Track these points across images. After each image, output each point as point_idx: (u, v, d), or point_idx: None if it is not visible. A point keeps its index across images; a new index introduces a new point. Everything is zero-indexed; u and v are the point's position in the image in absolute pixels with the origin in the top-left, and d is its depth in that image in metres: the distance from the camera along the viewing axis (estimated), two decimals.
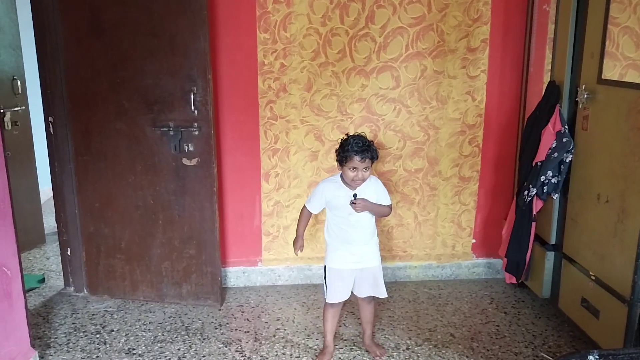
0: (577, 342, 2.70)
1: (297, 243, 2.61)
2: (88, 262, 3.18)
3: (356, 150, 2.33)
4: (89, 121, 2.98)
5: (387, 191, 2.53)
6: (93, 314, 3.02)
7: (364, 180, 2.39)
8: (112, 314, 3.03)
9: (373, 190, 2.46)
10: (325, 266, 2.55)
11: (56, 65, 2.95)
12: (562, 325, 2.82)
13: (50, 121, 3.03)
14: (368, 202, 2.40)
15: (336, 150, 2.43)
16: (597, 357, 1.45)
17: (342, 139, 2.42)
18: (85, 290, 3.24)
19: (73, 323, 2.93)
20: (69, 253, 3.19)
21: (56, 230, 3.87)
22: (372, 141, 2.40)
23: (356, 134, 2.42)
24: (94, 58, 2.90)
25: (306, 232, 3.25)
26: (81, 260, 3.19)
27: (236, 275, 3.36)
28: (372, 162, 2.40)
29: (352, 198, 2.38)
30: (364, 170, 2.36)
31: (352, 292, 2.57)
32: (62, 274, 3.31)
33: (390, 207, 2.53)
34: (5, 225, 2.25)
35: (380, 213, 2.53)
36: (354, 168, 2.35)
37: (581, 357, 1.47)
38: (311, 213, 2.59)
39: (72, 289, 3.26)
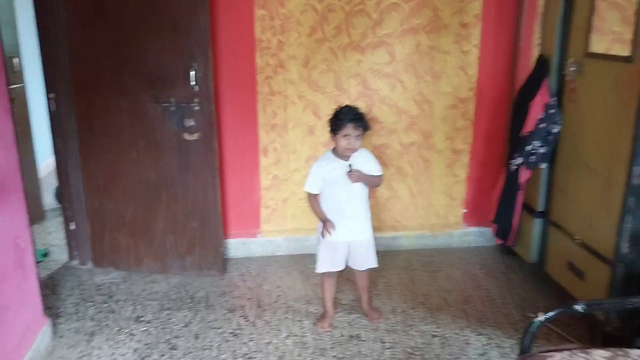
0: (557, 296, 2.86)
1: (327, 224, 2.57)
2: (93, 236, 3.27)
3: (350, 118, 2.43)
4: (92, 99, 3.04)
5: (379, 162, 2.63)
6: (99, 285, 3.13)
7: (355, 149, 2.48)
8: (117, 285, 3.13)
9: (364, 161, 2.56)
10: (319, 238, 2.65)
11: (58, 44, 2.99)
12: (549, 288, 2.97)
13: (51, 98, 3.08)
14: (361, 172, 2.50)
15: (330, 120, 2.52)
16: (583, 306, 1.59)
17: (335, 109, 2.52)
18: (89, 263, 3.33)
19: (80, 294, 3.03)
20: (73, 227, 3.28)
21: (55, 206, 3.95)
22: (364, 112, 2.50)
23: (350, 104, 2.52)
24: (97, 37, 2.95)
25: (303, 205, 3.40)
26: (86, 234, 3.28)
27: (236, 246, 3.47)
28: (364, 132, 2.49)
29: (348, 169, 2.48)
30: (356, 138, 2.45)
31: (347, 265, 2.69)
32: (65, 248, 3.40)
33: (381, 177, 2.63)
34: (17, 199, 2.33)
35: (373, 183, 2.63)
36: (346, 135, 2.44)
37: (568, 307, 1.61)
38: (316, 195, 2.61)
39: (76, 262, 3.35)
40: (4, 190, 2.20)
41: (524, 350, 1.62)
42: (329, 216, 2.58)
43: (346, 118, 2.44)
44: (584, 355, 1.57)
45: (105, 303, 2.94)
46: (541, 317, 1.60)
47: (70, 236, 3.31)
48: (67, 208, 3.25)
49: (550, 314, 1.61)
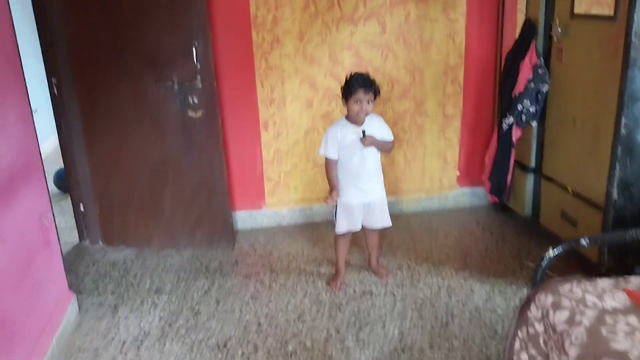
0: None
1: (333, 193, 2.69)
2: (102, 216, 3.35)
3: (360, 83, 2.55)
4: (94, 81, 3.09)
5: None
6: (114, 262, 3.22)
7: (367, 113, 2.61)
8: (131, 261, 3.23)
9: (377, 126, 2.69)
10: (336, 202, 2.78)
11: (56, 28, 3.02)
12: (543, 238, 3.16)
13: (54, 83, 3.13)
14: (374, 138, 2.64)
15: (341, 88, 2.63)
16: (587, 241, 1.76)
17: (346, 76, 2.64)
18: (100, 242, 3.42)
19: (97, 271, 3.13)
20: (82, 209, 3.35)
21: (55, 191, 4.01)
22: (374, 79, 2.62)
23: (359, 71, 2.64)
24: (95, 20, 2.99)
25: (305, 176, 3.53)
26: (94, 215, 3.36)
27: (243, 218, 3.59)
28: (375, 97, 2.62)
29: (361, 134, 2.61)
30: (368, 103, 2.58)
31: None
32: (74, 229, 3.47)
33: (392, 142, 2.77)
34: (39, 180, 2.41)
35: (385, 148, 2.76)
36: (358, 100, 2.56)
37: (575, 242, 1.78)
38: (333, 159, 2.69)
39: (87, 241, 3.43)
40: (28, 172, 2.27)
41: (536, 283, 1.79)
42: (345, 178, 2.71)
43: (357, 84, 2.56)
44: (590, 282, 1.76)
45: (122, 278, 3.04)
46: (551, 253, 1.77)
47: (79, 217, 3.38)
48: (74, 190, 3.32)
49: (559, 249, 1.78)
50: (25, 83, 2.34)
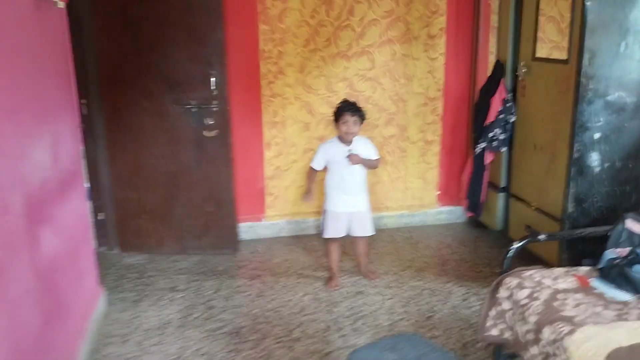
0: (524, 257, 3.49)
1: (307, 195, 3.22)
2: (118, 223, 3.69)
3: (347, 107, 3.06)
4: (118, 101, 3.48)
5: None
6: (129, 266, 3.56)
7: (354, 134, 3.07)
8: (145, 265, 3.57)
9: (363, 147, 3.15)
10: (325, 209, 3.22)
11: (89, 53, 3.42)
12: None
13: (84, 103, 3.50)
14: (359, 156, 3.08)
15: (333, 113, 3.12)
16: (545, 236, 2.21)
17: (337, 104, 3.13)
18: (116, 249, 3.75)
19: (115, 273, 3.46)
20: (102, 217, 3.68)
21: None
22: (360, 106, 3.11)
23: (347, 99, 3.18)
24: (123, 47, 3.40)
25: (301, 191, 3.91)
26: (112, 223, 3.70)
27: (244, 229, 3.96)
28: (361, 120, 3.09)
29: (347, 152, 3.07)
30: (354, 123, 3.05)
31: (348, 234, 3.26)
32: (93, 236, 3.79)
33: (378, 160, 3.23)
34: (81, 185, 2.77)
35: (370, 165, 3.21)
36: (345, 122, 3.04)
37: (533, 237, 2.23)
38: (315, 170, 3.20)
39: (104, 248, 3.75)
40: (75, 177, 2.64)
41: (504, 272, 2.23)
42: (333, 190, 3.17)
43: (344, 108, 3.06)
44: (547, 270, 2.20)
45: (139, 278, 3.38)
46: (516, 245, 2.22)
47: (98, 225, 3.71)
48: (95, 200, 3.65)
49: (521, 243, 2.23)
50: (78, 101, 2.72)
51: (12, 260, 1.77)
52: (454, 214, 4.26)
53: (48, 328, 2.08)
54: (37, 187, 2.06)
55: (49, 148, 2.25)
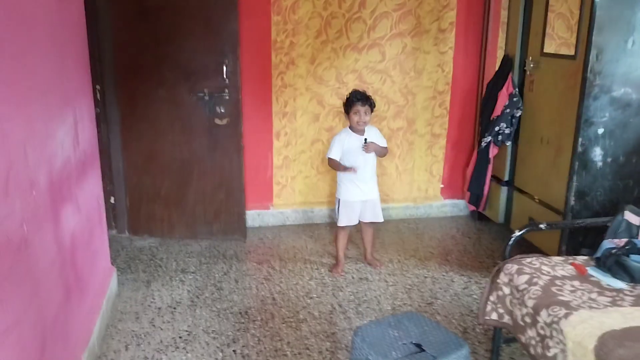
0: (526, 250, 3.58)
1: (351, 169, 3.15)
2: (131, 207, 3.79)
3: (357, 97, 3.14)
4: (134, 89, 3.57)
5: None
6: (141, 248, 3.66)
7: (365, 123, 3.15)
8: (156, 248, 3.67)
9: (374, 136, 3.23)
10: (338, 199, 3.30)
11: (105, 42, 3.51)
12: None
13: (98, 89, 3.59)
14: (375, 144, 3.16)
15: (343, 104, 3.20)
16: (545, 225, 2.29)
17: (347, 94, 3.21)
18: (127, 232, 3.85)
19: (127, 255, 3.56)
20: (112, 201, 3.79)
21: None
22: (370, 95, 3.19)
23: (357, 88, 3.25)
24: (140, 37, 3.49)
25: (308, 181, 4.04)
26: (124, 207, 3.80)
27: (252, 217, 4.06)
28: (372, 109, 3.16)
29: (364, 142, 3.14)
30: (365, 113, 3.12)
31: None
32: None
33: (386, 148, 3.30)
34: (97, 167, 2.87)
35: (382, 153, 3.29)
36: (356, 112, 3.12)
37: (534, 226, 2.31)
38: (334, 159, 3.23)
39: (114, 231, 3.85)
40: (92, 160, 2.74)
41: (505, 257, 2.31)
42: (347, 179, 3.23)
43: (355, 98, 3.15)
44: (546, 258, 2.28)
45: (151, 260, 3.48)
46: (517, 233, 2.30)
47: (109, 209, 3.81)
48: (108, 184, 3.75)
49: (523, 230, 2.30)
50: (92, 88, 2.82)
51: (38, 234, 1.87)
52: (457, 207, 4.34)
53: (68, 301, 2.18)
54: (60, 166, 2.15)
55: (71, 129, 2.34)
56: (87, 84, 2.75)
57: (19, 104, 1.75)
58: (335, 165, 3.25)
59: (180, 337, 2.65)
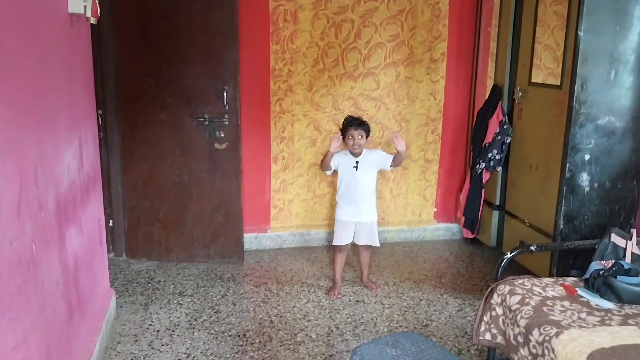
0: (517, 272, 3.65)
1: (333, 141, 3.28)
2: (129, 230, 3.84)
3: (351, 122, 3.28)
4: (136, 113, 3.66)
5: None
6: (138, 271, 3.70)
7: (360, 146, 3.28)
8: (154, 271, 3.71)
9: (374, 157, 3.36)
10: (335, 219, 3.40)
11: (108, 68, 3.61)
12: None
13: (100, 114, 3.67)
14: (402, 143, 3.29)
15: (339, 130, 3.34)
16: (536, 247, 2.37)
17: (342, 121, 3.35)
18: (124, 255, 3.89)
19: (124, 277, 3.60)
20: (111, 224, 3.84)
21: None
22: (365, 120, 3.34)
23: (352, 114, 3.41)
24: (143, 63, 3.59)
25: (305, 205, 4.12)
26: (122, 230, 3.85)
27: (249, 240, 4.12)
28: (366, 134, 3.29)
29: (354, 164, 3.30)
30: (359, 138, 3.25)
31: (354, 243, 3.42)
32: None
33: (401, 154, 3.34)
34: (99, 190, 2.94)
35: (398, 161, 3.38)
36: (351, 136, 3.24)
37: (525, 248, 2.39)
38: (327, 171, 3.45)
39: (112, 254, 3.89)
40: (95, 182, 2.80)
41: (497, 278, 2.38)
42: (342, 200, 3.38)
43: (348, 124, 3.28)
44: (537, 279, 2.35)
45: (148, 283, 3.52)
46: (509, 255, 2.38)
47: (107, 232, 3.85)
48: (106, 207, 3.80)
49: (514, 252, 2.39)
50: (97, 111, 2.90)
51: (45, 254, 1.93)
52: (450, 230, 4.42)
53: (71, 322, 2.22)
54: (65, 188, 2.22)
55: (77, 153, 2.42)
56: (92, 109, 2.84)
57: (32, 128, 1.83)
58: (323, 159, 3.37)
59: None
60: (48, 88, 2.02)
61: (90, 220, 2.71)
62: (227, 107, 3.61)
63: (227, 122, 3.63)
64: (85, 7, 2.36)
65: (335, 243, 3.39)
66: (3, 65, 1.56)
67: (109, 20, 3.53)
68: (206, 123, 3.64)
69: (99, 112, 3.66)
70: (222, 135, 3.65)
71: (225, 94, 3.58)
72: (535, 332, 2.01)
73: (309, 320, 3.09)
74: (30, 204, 1.78)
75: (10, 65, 1.62)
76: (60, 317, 2.10)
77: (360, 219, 3.37)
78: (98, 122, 3.64)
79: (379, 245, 3.46)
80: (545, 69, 3.31)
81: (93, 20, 2.54)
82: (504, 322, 2.26)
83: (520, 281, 2.33)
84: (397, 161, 3.38)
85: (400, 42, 4.02)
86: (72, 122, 2.37)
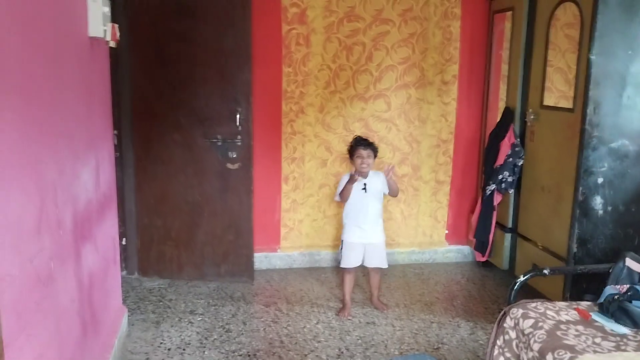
0: (530, 296, 3.62)
1: (354, 177, 3.28)
2: (141, 249, 3.87)
3: (359, 142, 3.32)
4: (150, 133, 3.71)
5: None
6: (150, 289, 3.71)
7: (368, 165, 3.30)
8: (165, 289, 3.73)
9: (380, 182, 3.36)
10: (342, 240, 3.41)
11: (124, 87, 3.67)
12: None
13: (115, 134, 3.73)
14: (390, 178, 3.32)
15: (347, 150, 3.38)
16: (549, 270, 2.36)
17: (350, 141, 3.39)
18: (136, 273, 3.91)
19: (136, 295, 3.61)
20: (124, 242, 3.86)
21: None
22: (372, 141, 3.38)
23: (360, 135, 3.47)
24: (158, 83, 3.65)
25: (315, 225, 4.14)
26: (134, 248, 3.87)
27: (260, 259, 4.12)
28: (374, 154, 3.32)
29: (362, 186, 3.32)
30: (368, 158, 3.27)
31: (363, 264, 3.42)
32: None
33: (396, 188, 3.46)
34: (114, 209, 2.97)
35: (394, 189, 3.43)
36: (359, 156, 3.27)
37: (538, 271, 2.38)
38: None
39: (124, 272, 3.91)
40: (110, 201, 2.84)
41: (510, 301, 2.37)
42: (349, 221, 3.39)
43: (357, 144, 3.32)
44: (550, 303, 2.34)
45: (160, 301, 3.53)
46: (522, 278, 2.37)
47: (120, 250, 3.88)
48: (120, 225, 3.83)
49: (527, 275, 2.38)
50: (113, 132, 2.95)
51: (62, 271, 1.95)
52: (462, 252, 4.40)
53: (85, 339, 2.23)
54: (82, 206, 2.25)
55: (94, 172, 2.46)
56: (109, 129, 2.89)
57: (51, 147, 1.87)
58: (343, 191, 3.35)
59: None
60: (67, 108, 2.07)
61: (105, 239, 2.73)
62: (239, 128, 3.65)
63: (239, 143, 3.67)
64: (105, 31, 2.42)
65: (344, 265, 3.39)
66: (26, 86, 1.61)
67: (126, 42, 3.60)
68: (219, 143, 3.68)
69: (115, 132, 3.72)
70: (234, 156, 3.68)
71: (238, 115, 3.63)
72: (549, 357, 1.99)
73: (319, 341, 3.07)
74: (50, 222, 1.81)
75: (32, 86, 1.67)
76: (74, 334, 2.11)
77: (370, 240, 3.37)
78: (114, 142, 3.72)
79: (387, 266, 3.46)
80: (557, 91, 3.32)
81: (112, 44, 2.60)
82: (517, 346, 2.24)
83: (534, 305, 2.31)
84: (391, 192, 3.43)
85: (411, 65, 4.06)
86: (89, 141, 2.41)
